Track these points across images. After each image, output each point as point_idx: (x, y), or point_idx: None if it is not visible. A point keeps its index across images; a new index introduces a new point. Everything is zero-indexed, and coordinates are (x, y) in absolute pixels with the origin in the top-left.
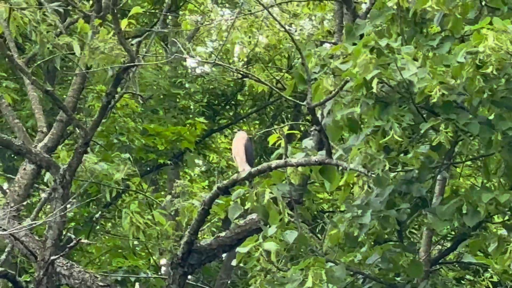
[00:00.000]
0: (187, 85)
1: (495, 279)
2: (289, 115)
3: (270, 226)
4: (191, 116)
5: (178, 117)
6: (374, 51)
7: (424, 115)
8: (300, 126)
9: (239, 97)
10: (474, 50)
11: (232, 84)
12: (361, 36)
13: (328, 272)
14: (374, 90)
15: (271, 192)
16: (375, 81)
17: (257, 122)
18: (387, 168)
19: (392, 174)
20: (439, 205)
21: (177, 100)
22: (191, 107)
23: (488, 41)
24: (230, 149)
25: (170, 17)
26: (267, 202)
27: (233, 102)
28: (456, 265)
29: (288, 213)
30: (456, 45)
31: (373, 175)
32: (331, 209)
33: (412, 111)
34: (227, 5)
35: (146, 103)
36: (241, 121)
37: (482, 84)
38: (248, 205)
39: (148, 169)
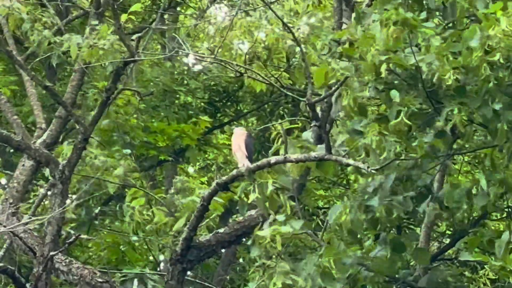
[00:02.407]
0: (188, 82)
1: (491, 275)
2: (287, 111)
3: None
4: (192, 112)
5: (180, 113)
6: (398, 24)
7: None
8: (298, 121)
9: (241, 94)
10: (485, 34)
11: (233, 81)
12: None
13: (337, 260)
14: (383, 75)
15: (274, 183)
16: (384, 66)
17: (254, 118)
18: (398, 150)
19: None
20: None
21: (178, 96)
22: (193, 103)
23: (500, 25)
24: (229, 145)
25: (167, 15)
26: (270, 193)
27: (234, 99)
28: (455, 262)
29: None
30: (460, 34)
31: (372, 171)
32: (327, 206)
33: (422, 97)
34: (224, 2)
35: (144, 99)
36: (242, 118)
37: (488, 72)
38: (251, 198)
39: (148, 165)
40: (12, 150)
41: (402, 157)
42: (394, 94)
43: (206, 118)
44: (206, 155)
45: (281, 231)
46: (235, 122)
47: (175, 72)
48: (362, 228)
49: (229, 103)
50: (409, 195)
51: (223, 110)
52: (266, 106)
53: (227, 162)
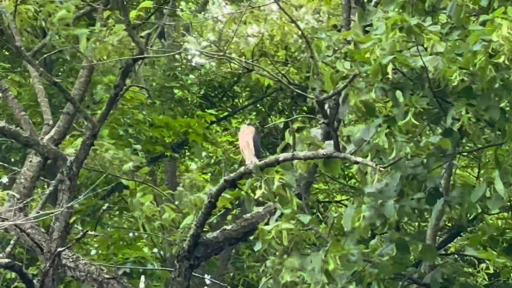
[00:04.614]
0: (183, 78)
1: (490, 270)
2: (286, 106)
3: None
4: (188, 108)
5: (175, 109)
6: (403, 30)
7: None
8: (299, 118)
9: (236, 88)
10: (487, 38)
11: (229, 76)
12: (365, 29)
13: (343, 256)
14: (390, 76)
15: (281, 179)
16: (390, 66)
17: (253, 114)
18: (408, 151)
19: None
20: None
21: (174, 92)
22: (188, 99)
23: (502, 31)
24: (230, 141)
25: (167, 7)
26: (277, 188)
27: (230, 94)
28: (457, 257)
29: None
30: (467, 34)
31: (381, 169)
32: (327, 200)
33: (429, 97)
34: None
35: (151, 95)
36: (238, 112)
37: (494, 74)
38: (258, 194)
39: (149, 159)
40: (6, 148)
41: (409, 157)
42: (399, 95)
43: (212, 111)
44: (209, 151)
45: (283, 227)
46: (231, 117)
47: (177, 63)
48: (369, 232)
49: (225, 98)
50: (419, 197)
51: (219, 105)
52: (265, 101)
53: (229, 158)
